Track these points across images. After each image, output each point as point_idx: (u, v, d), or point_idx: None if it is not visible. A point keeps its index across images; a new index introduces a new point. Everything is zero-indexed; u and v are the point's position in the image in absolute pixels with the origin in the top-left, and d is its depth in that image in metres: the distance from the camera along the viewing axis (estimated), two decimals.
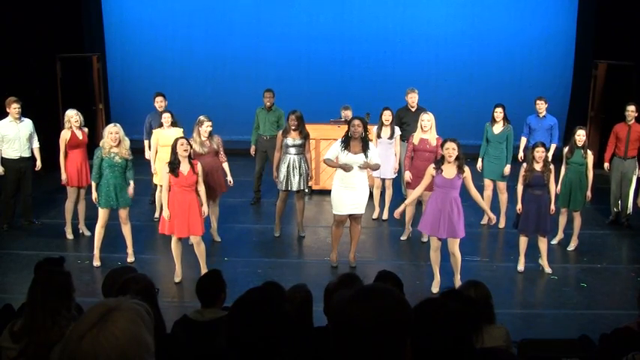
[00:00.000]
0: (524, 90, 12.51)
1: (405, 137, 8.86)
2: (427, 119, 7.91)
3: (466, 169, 6.52)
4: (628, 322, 3.96)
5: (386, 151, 8.62)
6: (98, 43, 12.95)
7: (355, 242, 7.41)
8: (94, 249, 7.24)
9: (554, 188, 7.31)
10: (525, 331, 5.60)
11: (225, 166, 7.99)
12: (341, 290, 2.63)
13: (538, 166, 7.05)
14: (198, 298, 3.93)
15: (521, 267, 7.30)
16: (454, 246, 6.61)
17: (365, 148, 7.00)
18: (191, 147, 6.98)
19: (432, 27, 13.03)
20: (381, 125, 8.75)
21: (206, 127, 7.74)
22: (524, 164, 7.21)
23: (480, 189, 8.76)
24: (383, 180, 8.92)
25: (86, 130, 8.28)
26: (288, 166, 7.98)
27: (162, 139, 8.37)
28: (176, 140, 6.80)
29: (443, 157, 6.56)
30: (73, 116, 8.01)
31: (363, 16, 13.10)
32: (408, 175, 7.99)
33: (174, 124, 8.54)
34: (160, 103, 9.07)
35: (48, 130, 9.40)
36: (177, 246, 6.88)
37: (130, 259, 7.37)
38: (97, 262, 7.24)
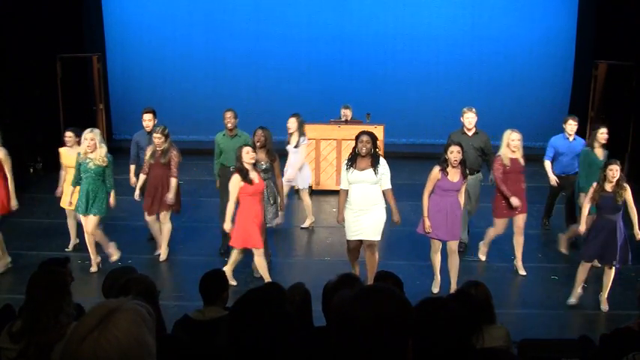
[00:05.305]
0: (524, 90, 12.51)
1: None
2: (518, 139, 7.06)
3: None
4: (628, 322, 3.97)
5: (295, 160, 8.22)
6: (98, 43, 12.95)
7: (372, 274, 6.13)
8: (90, 254, 7.18)
9: (634, 212, 6.33)
10: (525, 331, 5.59)
11: (173, 182, 7.22)
12: (342, 290, 2.63)
13: (609, 186, 6.14)
14: (201, 295, 3.95)
15: (573, 300, 6.45)
16: (455, 246, 6.62)
17: (375, 164, 6.16)
18: (255, 154, 6.61)
19: (432, 27, 13.03)
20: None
21: (155, 138, 7.22)
22: (595, 183, 6.30)
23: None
24: (294, 188, 8.54)
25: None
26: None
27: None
28: (240, 148, 6.50)
29: (446, 159, 6.40)
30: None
31: (363, 17, 13.10)
32: (516, 201, 7.00)
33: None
34: (147, 122, 7.71)
35: (47, 130, 9.40)
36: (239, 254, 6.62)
37: (94, 269, 7.14)
38: (94, 268, 7.17)
